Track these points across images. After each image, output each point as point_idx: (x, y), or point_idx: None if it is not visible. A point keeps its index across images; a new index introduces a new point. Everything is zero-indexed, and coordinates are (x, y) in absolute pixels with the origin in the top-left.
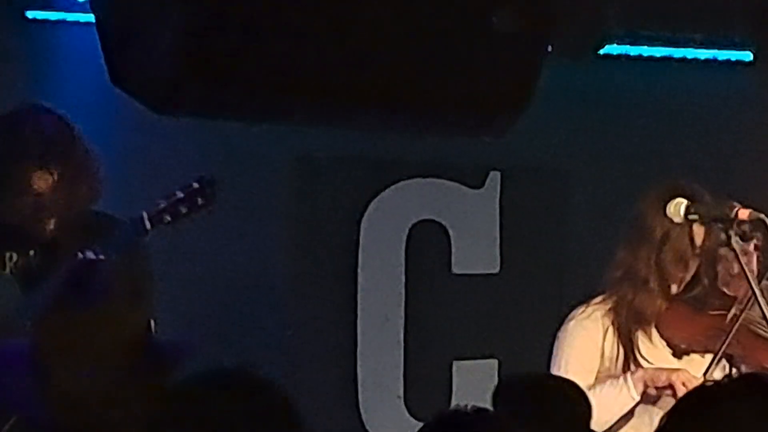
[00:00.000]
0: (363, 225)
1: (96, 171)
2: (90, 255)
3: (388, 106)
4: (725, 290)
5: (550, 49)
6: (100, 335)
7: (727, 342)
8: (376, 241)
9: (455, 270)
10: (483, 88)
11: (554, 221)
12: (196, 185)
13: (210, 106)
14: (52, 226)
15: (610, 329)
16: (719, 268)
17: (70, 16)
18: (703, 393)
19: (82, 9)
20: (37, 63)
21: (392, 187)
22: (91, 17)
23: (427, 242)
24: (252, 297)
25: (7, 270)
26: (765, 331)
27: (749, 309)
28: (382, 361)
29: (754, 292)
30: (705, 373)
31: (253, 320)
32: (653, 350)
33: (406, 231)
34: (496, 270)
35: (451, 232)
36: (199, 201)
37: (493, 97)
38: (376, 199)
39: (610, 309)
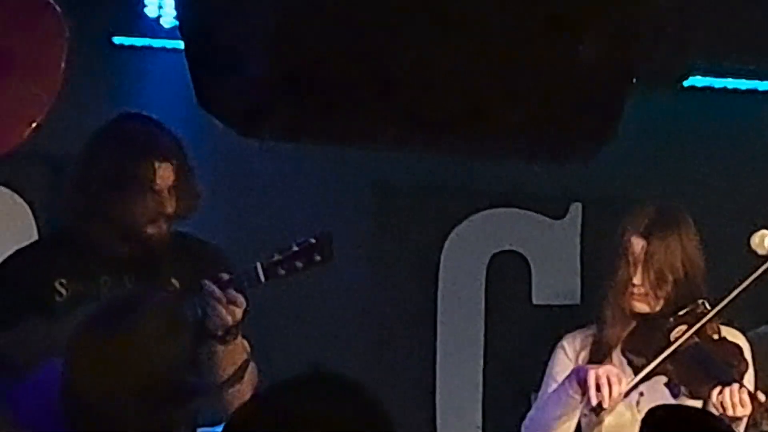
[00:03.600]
0: (443, 254)
1: (196, 177)
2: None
3: (471, 133)
4: None
5: (634, 80)
6: (126, 362)
7: (656, 363)
8: (456, 271)
9: (535, 301)
10: (567, 116)
11: None
12: (313, 240)
13: (294, 129)
14: (163, 229)
15: (585, 351)
16: None
17: (156, 42)
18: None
19: (167, 35)
20: (123, 88)
21: (473, 216)
22: (176, 43)
23: (508, 273)
24: (330, 324)
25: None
26: (711, 364)
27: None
28: (461, 391)
29: None
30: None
31: (330, 347)
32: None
33: (487, 261)
34: (577, 301)
35: (531, 263)
36: (316, 257)
37: (577, 126)
38: (456, 229)
39: (591, 334)
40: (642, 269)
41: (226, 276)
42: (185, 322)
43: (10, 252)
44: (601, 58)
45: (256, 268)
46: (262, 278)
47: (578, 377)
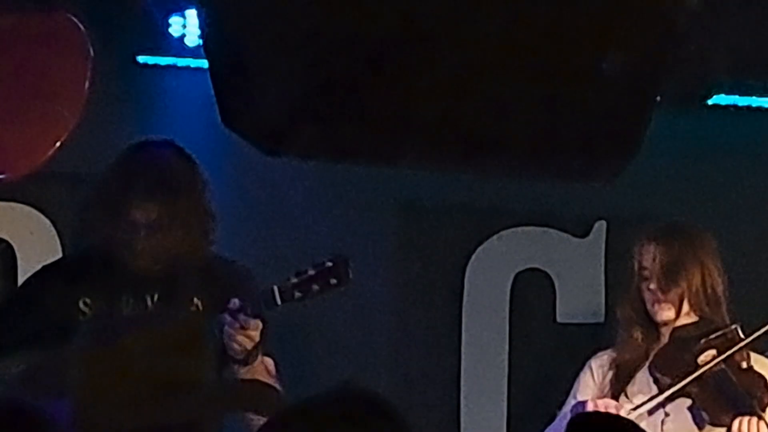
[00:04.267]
0: (467, 273)
1: (208, 215)
2: (227, 317)
3: (495, 151)
4: None
5: (658, 98)
6: (137, 379)
7: (676, 387)
8: (481, 289)
9: (559, 319)
10: (591, 135)
11: None
12: (329, 264)
13: (319, 148)
14: (149, 263)
15: (612, 372)
16: None
17: (180, 61)
18: None
19: (192, 54)
20: (147, 107)
21: (497, 235)
22: (200, 62)
23: (532, 291)
24: (354, 342)
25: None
26: (733, 393)
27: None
28: (485, 409)
29: None
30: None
31: (355, 365)
32: (643, 388)
33: (511, 279)
34: (601, 320)
35: (555, 281)
36: (332, 281)
37: (601, 144)
38: (480, 247)
39: (618, 353)
40: (655, 274)
41: (237, 302)
42: (204, 342)
43: (35, 270)
44: (625, 77)
45: (272, 290)
46: (279, 301)
47: (576, 411)
